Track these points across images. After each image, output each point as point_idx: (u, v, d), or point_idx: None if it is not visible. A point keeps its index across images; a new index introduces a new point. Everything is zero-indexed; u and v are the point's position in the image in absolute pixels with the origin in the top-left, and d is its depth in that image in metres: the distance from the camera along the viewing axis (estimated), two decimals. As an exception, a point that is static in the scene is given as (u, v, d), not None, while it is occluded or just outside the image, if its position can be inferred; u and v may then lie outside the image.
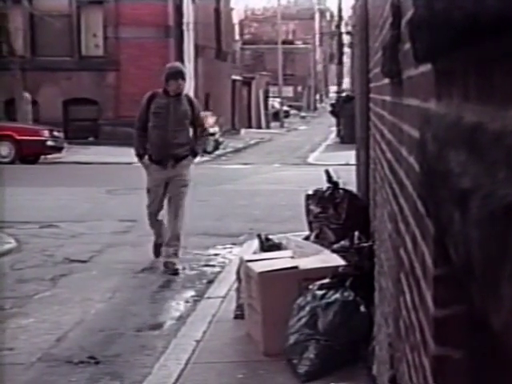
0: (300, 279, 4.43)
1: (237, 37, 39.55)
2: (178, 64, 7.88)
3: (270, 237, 5.56)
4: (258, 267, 4.55)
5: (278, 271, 4.47)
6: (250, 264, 4.69)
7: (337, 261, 4.58)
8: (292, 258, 4.72)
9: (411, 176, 1.63)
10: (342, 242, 4.98)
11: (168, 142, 6.78)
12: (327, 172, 5.85)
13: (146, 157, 6.92)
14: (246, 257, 5.02)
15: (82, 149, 20.04)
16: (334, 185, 5.81)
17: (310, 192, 5.99)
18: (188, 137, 6.98)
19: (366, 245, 4.67)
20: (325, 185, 5.90)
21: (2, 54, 20.69)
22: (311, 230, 6.01)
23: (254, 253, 5.51)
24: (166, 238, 6.88)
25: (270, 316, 4.38)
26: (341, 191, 5.78)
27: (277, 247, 5.26)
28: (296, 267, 4.52)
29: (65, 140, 18.94)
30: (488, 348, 1.05)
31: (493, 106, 0.75)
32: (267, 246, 5.37)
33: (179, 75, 6.97)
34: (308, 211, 6.03)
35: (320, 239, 5.60)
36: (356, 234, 4.98)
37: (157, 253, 7.19)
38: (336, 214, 5.68)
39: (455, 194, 0.84)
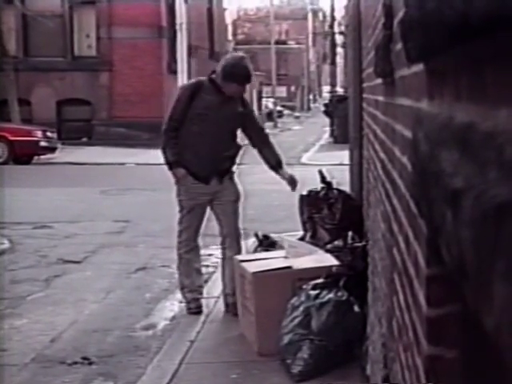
0: (294, 279, 4.43)
1: (230, 37, 39.58)
2: (246, 62, 5.14)
3: (268, 235, 5.56)
4: (251, 267, 4.54)
5: (272, 271, 4.47)
6: (243, 264, 4.68)
7: (331, 261, 4.58)
8: (286, 257, 4.72)
9: (404, 176, 1.63)
10: (336, 242, 4.99)
11: (219, 154, 5.11)
12: (321, 172, 5.85)
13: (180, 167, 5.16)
14: (239, 257, 5.02)
15: (76, 149, 20.00)
16: (327, 185, 5.81)
17: (304, 192, 5.99)
18: (238, 146, 5.35)
19: (359, 245, 4.67)
20: (318, 185, 5.90)
21: (-5, 54, 20.64)
22: (305, 230, 6.01)
23: (248, 253, 5.51)
24: (225, 284, 5.34)
25: (264, 316, 4.38)
26: (335, 191, 5.78)
27: (277, 244, 5.28)
28: (290, 267, 4.52)
29: (58, 140, 18.90)
30: (481, 348, 1.05)
31: (484, 105, 0.75)
32: (267, 243, 5.37)
33: (247, 80, 5.14)
34: (302, 211, 6.03)
35: (315, 239, 5.60)
36: (350, 234, 4.99)
37: (197, 306, 5.31)
38: (330, 214, 5.68)
39: (447, 193, 0.84)
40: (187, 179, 5.14)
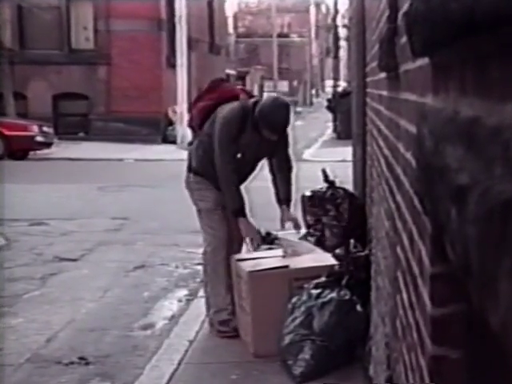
0: (290, 279, 4.38)
1: (231, 30, 39.41)
2: (284, 111, 4.65)
3: (270, 231, 5.52)
4: (247, 266, 4.49)
5: (268, 270, 4.42)
6: (240, 263, 4.63)
7: (329, 260, 4.54)
8: (283, 257, 4.68)
9: (408, 172, 1.62)
10: (338, 251, 4.87)
11: (240, 180, 4.83)
12: (324, 171, 5.73)
13: (192, 175, 4.84)
14: (236, 256, 4.97)
15: (73, 144, 19.92)
16: (330, 184, 5.71)
17: (308, 193, 5.84)
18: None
19: (362, 254, 4.62)
20: (321, 183, 5.80)
21: (-10, 47, 20.51)
22: (309, 231, 5.85)
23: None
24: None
25: (260, 316, 4.33)
26: (340, 191, 5.64)
27: (279, 240, 5.24)
28: (287, 266, 4.47)
29: (54, 135, 18.77)
30: (486, 347, 1.03)
31: (490, 100, 0.75)
32: (269, 239, 5.33)
33: (281, 130, 4.70)
34: (305, 212, 5.87)
35: (322, 242, 5.50)
36: (352, 241, 4.92)
37: (230, 329, 4.72)
38: (338, 215, 5.56)
39: (452, 190, 0.83)
40: (204, 183, 4.77)
